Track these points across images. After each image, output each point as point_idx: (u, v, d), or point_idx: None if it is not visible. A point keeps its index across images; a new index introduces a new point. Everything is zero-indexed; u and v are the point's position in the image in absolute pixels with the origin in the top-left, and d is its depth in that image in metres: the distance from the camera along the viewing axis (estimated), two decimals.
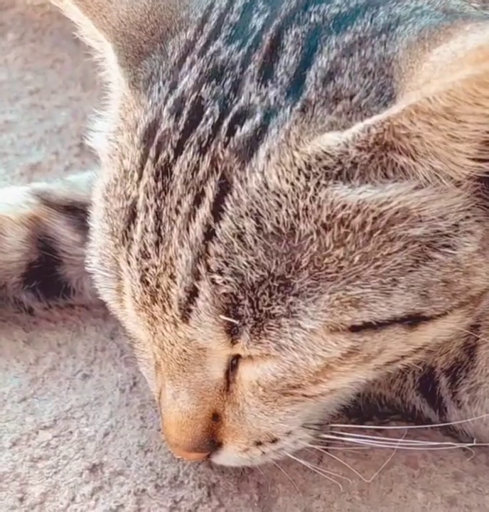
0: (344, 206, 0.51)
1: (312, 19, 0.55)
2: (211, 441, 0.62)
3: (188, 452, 0.63)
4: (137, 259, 0.56)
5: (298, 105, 0.52)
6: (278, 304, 0.53)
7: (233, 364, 0.59)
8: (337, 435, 0.67)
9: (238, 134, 0.53)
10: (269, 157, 0.52)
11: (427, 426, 0.71)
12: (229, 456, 0.63)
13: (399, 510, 0.70)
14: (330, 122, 0.52)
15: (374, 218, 0.52)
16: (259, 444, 0.62)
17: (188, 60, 0.57)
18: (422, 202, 0.52)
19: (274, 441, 0.63)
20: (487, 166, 0.51)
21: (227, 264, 0.52)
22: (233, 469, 0.70)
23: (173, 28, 0.60)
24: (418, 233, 0.53)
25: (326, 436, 0.67)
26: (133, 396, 0.77)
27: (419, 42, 0.51)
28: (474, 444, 0.68)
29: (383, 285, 0.53)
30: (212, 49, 0.56)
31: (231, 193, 0.52)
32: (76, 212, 0.81)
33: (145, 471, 0.71)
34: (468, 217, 0.54)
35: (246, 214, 0.52)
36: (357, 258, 0.52)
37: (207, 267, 0.53)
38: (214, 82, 0.55)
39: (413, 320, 0.56)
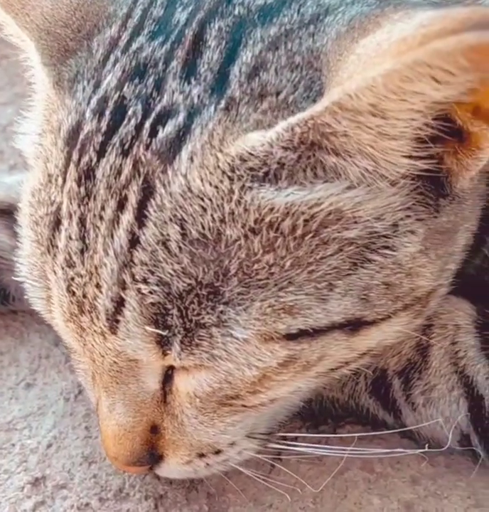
0: (272, 209, 0.48)
1: (236, 11, 0.52)
2: (151, 454, 0.59)
3: (128, 466, 0.60)
4: (62, 268, 0.54)
5: (222, 103, 0.49)
6: (208, 313, 0.50)
7: (168, 375, 0.56)
8: (288, 444, 0.65)
9: (160, 135, 0.50)
10: (192, 159, 0.49)
11: (383, 432, 0.69)
12: (172, 468, 0.61)
13: None
14: (255, 121, 0.49)
15: (305, 221, 0.49)
16: (201, 455, 0.60)
17: (112, 57, 0.54)
18: (356, 202, 0.49)
19: (218, 452, 0.60)
20: (422, 163, 0.49)
21: (152, 272, 0.50)
22: (181, 480, 0.68)
23: (100, 24, 0.58)
24: (354, 235, 0.50)
25: (274, 445, 0.64)
26: (77, 405, 0.74)
27: (348, 32, 0.48)
28: (427, 449, 0.66)
29: (318, 290, 0.51)
30: (134, 46, 0.54)
31: (154, 198, 0.50)
32: (13, 215, 0.78)
33: (89, 483, 0.68)
34: (408, 217, 0.52)
35: (170, 219, 0.49)
36: (288, 263, 0.49)
37: (133, 276, 0.50)
38: (137, 80, 0.52)
39: (354, 325, 0.53)
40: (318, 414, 0.72)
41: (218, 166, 0.49)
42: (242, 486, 0.68)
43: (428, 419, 0.66)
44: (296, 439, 0.68)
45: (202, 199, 0.49)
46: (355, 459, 0.68)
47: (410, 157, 0.48)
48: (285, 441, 0.65)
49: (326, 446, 0.66)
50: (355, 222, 0.50)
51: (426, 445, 0.65)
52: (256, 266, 0.49)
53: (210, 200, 0.49)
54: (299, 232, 0.49)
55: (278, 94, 0.49)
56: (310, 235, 0.49)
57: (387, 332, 0.56)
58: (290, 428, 0.70)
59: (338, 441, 0.69)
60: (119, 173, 0.51)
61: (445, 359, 0.66)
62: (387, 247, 0.51)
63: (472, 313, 0.67)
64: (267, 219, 0.49)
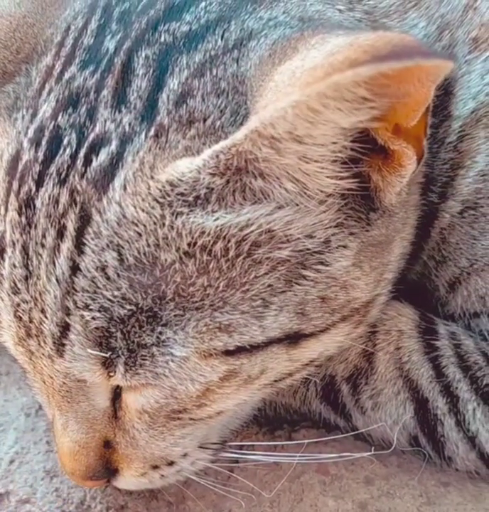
0: (203, 233, 0.50)
1: (162, 39, 0.53)
2: (107, 468, 0.61)
3: (85, 480, 0.62)
4: (8, 295, 0.55)
5: (152, 131, 0.51)
6: (148, 335, 0.52)
7: (117, 392, 0.58)
8: (243, 453, 0.66)
9: (94, 163, 0.51)
10: (125, 187, 0.50)
11: (336, 436, 0.71)
12: (128, 480, 0.62)
13: None
14: (184, 147, 0.50)
15: (237, 242, 0.50)
16: (155, 467, 0.62)
17: (47, 86, 0.55)
18: (285, 221, 0.51)
19: (171, 463, 0.62)
20: (345, 183, 0.50)
21: (93, 299, 0.51)
22: (141, 490, 0.69)
23: (39, 48, 0.58)
24: (286, 254, 0.51)
25: (229, 455, 0.66)
26: (38, 420, 0.75)
27: (270, 57, 0.49)
28: (373, 452, 0.67)
29: (253, 308, 0.52)
30: (67, 75, 0.55)
31: (91, 226, 0.51)
32: None
33: (51, 497, 0.70)
34: (340, 232, 0.53)
35: (108, 246, 0.50)
36: (222, 284, 0.51)
37: (75, 303, 0.52)
38: (70, 109, 0.53)
39: (292, 338, 0.55)
40: (273, 419, 0.74)
41: (150, 193, 0.50)
42: (200, 494, 0.70)
43: (377, 422, 0.68)
44: (252, 446, 0.70)
45: (137, 225, 0.50)
46: (310, 462, 0.70)
47: (334, 177, 0.50)
48: (240, 451, 0.67)
49: (282, 452, 0.68)
50: (287, 241, 0.51)
51: (373, 448, 0.67)
52: (191, 288, 0.50)
53: (144, 226, 0.50)
54: (231, 253, 0.50)
55: (205, 120, 0.50)
56: (242, 257, 0.50)
57: (327, 343, 0.57)
58: (246, 434, 0.72)
59: (294, 446, 0.70)
60: (57, 202, 0.52)
61: (390, 364, 0.68)
62: (320, 263, 0.53)
63: (414, 319, 0.69)
64: (199, 242, 0.50)
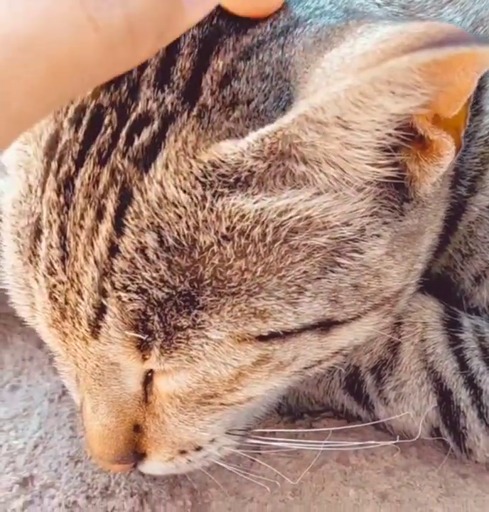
0: (242, 216, 0.50)
1: (214, 21, 0.53)
2: (134, 452, 0.61)
3: (112, 464, 0.62)
4: (44, 276, 0.55)
5: (195, 111, 0.51)
6: (184, 318, 0.52)
7: (149, 376, 0.58)
8: (267, 439, 0.67)
9: (136, 142, 0.51)
10: (167, 166, 0.50)
11: (357, 425, 0.71)
12: (155, 465, 0.63)
13: (331, 508, 0.70)
14: (228, 129, 0.50)
15: (275, 228, 0.51)
16: (183, 452, 0.62)
17: None
18: (324, 208, 0.51)
19: (198, 449, 0.62)
20: (385, 170, 0.51)
21: (131, 280, 0.51)
22: (165, 476, 0.70)
23: None
24: (323, 241, 0.52)
25: (253, 441, 0.67)
26: (62, 405, 0.76)
27: (315, 45, 0.50)
28: (398, 440, 0.68)
29: (288, 294, 0.52)
30: None
31: (132, 206, 0.51)
32: None
33: (75, 482, 0.70)
34: (374, 221, 0.54)
35: (148, 227, 0.50)
36: (259, 269, 0.51)
37: (113, 284, 0.52)
38: (112, 88, 0.53)
39: (324, 326, 0.55)
40: (294, 409, 0.74)
41: (191, 172, 0.50)
42: (223, 481, 0.71)
43: (399, 413, 0.69)
44: (274, 434, 0.71)
45: (177, 206, 0.50)
46: (331, 452, 0.71)
47: (374, 165, 0.50)
48: (263, 437, 0.67)
49: (303, 440, 0.69)
50: (324, 228, 0.52)
51: (398, 437, 0.68)
52: (228, 272, 0.51)
53: (184, 207, 0.50)
54: (269, 239, 0.51)
55: (249, 102, 0.50)
56: (280, 242, 0.51)
57: (357, 331, 0.58)
58: (268, 423, 0.73)
59: (315, 435, 0.71)
60: (97, 182, 0.52)
61: (414, 356, 0.68)
62: (354, 251, 0.53)
63: (439, 311, 0.70)
64: (238, 226, 0.50)
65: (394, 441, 0.68)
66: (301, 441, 0.68)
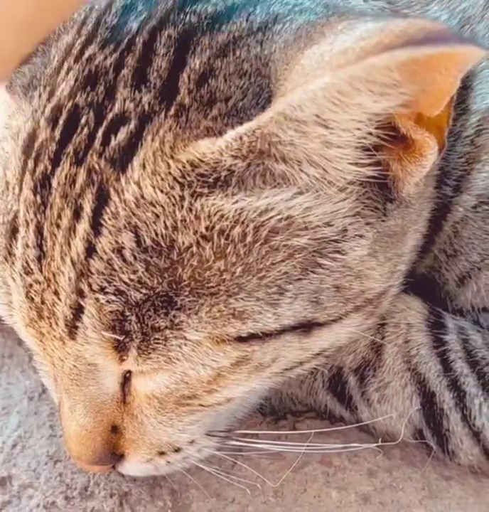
0: (222, 216, 0.49)
1: (187, 19, 0.53)
2: (113, 454, 0.60)
3: (91, 465, 0.61)
4: (21, 275, 0.54)
5: (172, 110, 0.50)
6: (162, 319, 0.51)
7: (126, 377, 0.57)
8: (248, 441, 0.66)
9: (113, 143, 0.51)
10: (144, 166, 0.50)
11: (341, 427, 0.71)
12: (133, 466, 0.62)
13: (313, 510, 0.69)
14: (206, 127, 0.49)
15: (255, 228, 0.50)
16: (162, 453, 0.61)
17: (66, 65, 0.55)
18: (305, 208, 0.50)
19: (177, 450, 0.62)
20: (367, 170, 0.50)
21: (109, 282, 0.51)
22: (145, 477, 0.69)
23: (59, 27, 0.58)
24: (304, 241, 0.51)
25: (234, 443, 0.66)
26: (41, 404, 0.75)
27: (295, 41, 0.49)
28: (380, 443, 0.68)
29: (268, 295, 0.52)
30: (87, 53, 0.54)
31: (108, 206, 0.50)
32: None
33: (54, 482, 0.69)
34: (357, 221, 0.53)
35: (125, 227, 0.50)
36: (239, 270, 0.50)
37: (90, 286, 0.51)
38: (89, 88, 0.53)
39: (305, 327, 0.55)
40: (277, 409, 0.74)
41: (169, 173, 0.49)
42: (204, 482, 0.70)
43: (382, 414, 0.68)
44: (256, 435, 0.70)
45: (155, 206, 0.49)
46: (314, 453, 0.70)
47: (356, 164, 0.49)
48: (245, 439, 0.66)
49: (286, 442, 0.68)
50: (305, 229, 0.51)
51: (380, 439, 0.67)
52: (207, 273, 0.50)
53: (162, 207, 0.49)
54: (249, 239, 0.50)
55: (227, 100, 0.50)
56: (260, 242, 0.50)
57: (339, 333, 0.57)
58: (250, 424, 0.72)
59: (298, 436, 0.71)
60: (74, 182, 0.51)
61: (398, 357, 0.68)
62: (336, 252, 0.53)
63: (423, 312, 0.69)
64: (218, 226, 0.49)
65: (376, 444, 0.67)
66: (283, 444, 0.67)
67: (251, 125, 0.47)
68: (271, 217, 0.50)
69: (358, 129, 0.47)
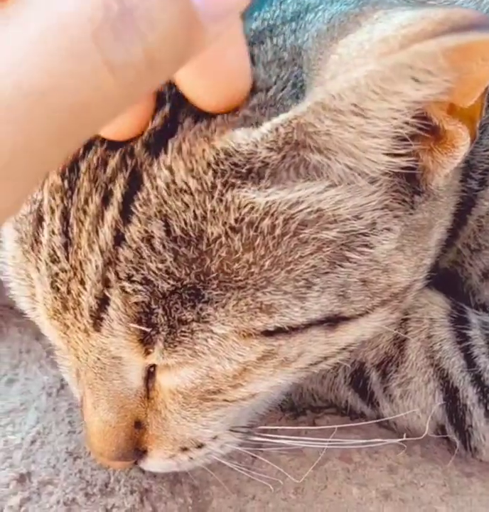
0: (252, 208, 0.49)
1: None
2: (135, 449, 0.60)
3: (113, 461, 0.61)
4: (46, 264, 0.53)
5: None
6: (189, 311, 0.51)
7: (151, 372, 0.57)
8: (269, 437, 0.66)
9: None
10: (178, 150, 0.48)
11: (361, 423, 0.70)
12: (156, 462, 0.62)
13: (334, 506, 0.69)
14: (244, 116, 0.48)
15: (285, 221, 0.49)
16: (185, 449, 0.61)
17: None
18: (336, 201, 0.50)
19: (200, 446, 0.61)
20: (401, 160, 0.49)
21: (137, 270, 0.50)
22: (166, 473, 0.69)
23: None
24: (333, 234, 0.51)
25: (255, 438, 0.65)
26: (60, 400, 0.74)
27: (329, 31, 0.48)
28: (405, 438, 0.67)
29: (296, 289, 0.51)
30: None
31: (141, 192, 0.49)
32: None
33: (74, 479, 0.69)
34: (385, 214, 0.52)
35: (155, 215, 0.49)
36: (267, 263, 0.50)
37: (117, 274, 0.50)
38: None
39: (332, 321, 0.54)
40: (297, 405, 0.73)
41: (203, 157, 0.48)
42: (225, 478, 0.69)
43: (405, 410, 0.68)
44: (276, 431, 0.69)
45: (186, 193, 0.48)
46: (334, 449, 0.70)
47: (390, 155, 0.49)
48: (265, 434, 0.66)
49: (306, 437, 0.68)
50: (335, 221, 0.50)
51: (405, 435, 0.67)
52: (236, 265, 0.50)
53: (192, 195, 0.48)
54: (278, 231, 0.49)
55: (267, 90, 0.49)
56: (289, 235, 0.49)
57: (365, 327, 0.57)
58: (270, 419, 0.72)
59: (318, 432, 0.70)
60: (106, 165, 0.50)
61: (421, 352, 0.67)
62: (364, 245, 0.52)
63: (446, 307, 0.69)
64: (247, 218, 0.49)
65: (399, 440, 0.67)
66: (303, 439, 0.66)
67: (288, 116, 0.46)
68: (302, 210, 0.49)
69: (395, 118, 0.46)
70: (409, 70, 0.42)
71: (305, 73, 0.48)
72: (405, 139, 0.48)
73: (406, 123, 0.47)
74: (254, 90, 0.49)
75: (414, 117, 0.47)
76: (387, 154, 0.49)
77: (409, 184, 0.53)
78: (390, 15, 0.44)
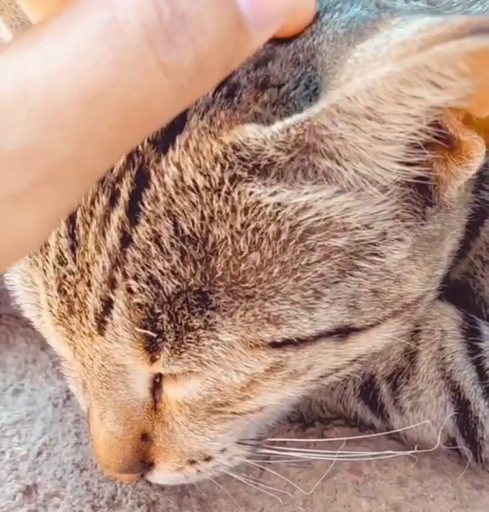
0: (259, 211, 0.48)
1: None
2: (142, 462, 0.59)
3: (120, 473, 0.60)
4: (54, 266, 0.52)
5: (224, 90, 0.48)
6: (196, 318, 0.50)
7: (157, 383, 0.56)
8: (277, 449, 0.65)
9: None
10: (186, 146, 0.47)
11: (370, 435, 0.70)
12: (163, 475, 0.61)
13: None
14: (254, 112, 0.47)
15: (291, 227, 0.48)
16: (192, 462, 0.60)
17: None
18: (345, 208, 0.49)
19: (208, 459, 0.60)
20: (414, 170, 0.48)
21: (143, 268, 0.49)
22: (173, 485, 0.68)
23: None
24: (342, 242, 0.50)
25: (264, 450, 0.65)
26: (66, 410, 0.73)
27: (346, 36, 0.47)
28: (416, 450, 0.66)
29: (304, 299, 0.50)
30: None
31: (149, 189, 0.48)
32: None
33: (81, 491, 0.68)
34: (396, 225, 0.51)
35: (164, 214, 0.48)
36: (275, 270, 0.49)
37: (124, 274, 0.49)
38: None
39: (342, 333, 0.53)
40: (306, 416, 0.73)
41: (211, 152, 0.47)
42: (233, 491, 0.69)
43: (415, 422, 0.67)
44: (284, 443, 0.69)
45: (193, 191, 0.47)
46: (343, 461, 0.69)
47: (403, 163, 0.48)
48: (273, 446, 0.65)
49: (315, 450, 0.67)
50: (344, 230, 0.49)
51: (416, 447, 0.66)
52: (242, 267, 0.49)
53: (200, 193, 0.47)
54: (284, 237, 0.48)
55: (280, 87, 0.48)
56: (295, 241, 0.49)
57: (376, 339, 0.56)
58: (278, 431, 0.71)
59: (326, 444, 0.70)
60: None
61: (432, 364, 0.67)
62: (375, 255, 0.51)
63: (458, 319, 0.68)
64: (253, 223, 0.48)
65: (410, 452, 0.66)
66: (312, 451, 0.66)
67: (301, 117, 0.45)
68: (309, 216, 0.48)
69: (411, 124, 0.45)
70: (427, 73, 0.41)
71: (320, 76, 0.47)
72: (419, 147, 0.47)
73: (421, 130, 0.46)
74: (266, 86, 0.48)
75: (429, 125, 0.46)
76: (400, 162, 0.48)
77: (421, 195, 0.52)
78: (409, 21, 0.43)
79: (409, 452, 0.67)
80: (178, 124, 0.48)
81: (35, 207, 0.34)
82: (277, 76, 0.48)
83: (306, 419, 0.73)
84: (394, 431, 0.68)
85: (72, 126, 0.33)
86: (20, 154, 0.33)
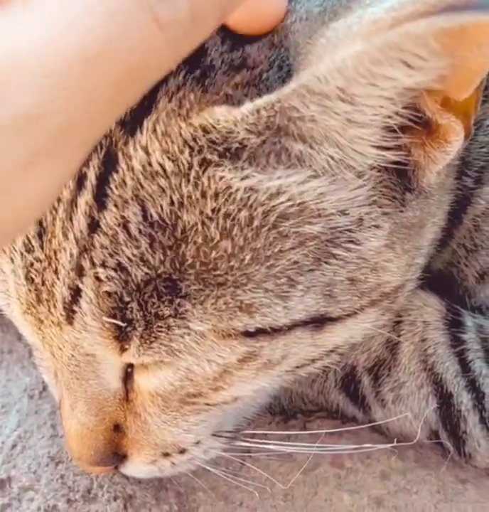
0: (229, 195, 0.46)
1: None
2: (115, 454, 0.58)
3: (92, 465, 0.59)
4: (21, 254, 0.50)
5: (198, 72, 0.46)
6: (166, 306, 0.48)
7: (128, 372, 0.55)
8: (257, 442, 0.64)
9: None
10: (154, 129, 0.46)
11: (353, 427, 0.68)
12: (137, 468, 0.60)
13: None
14: (226, 94, 0.46)
15: (264, 212, 0.46)
16: (166, 455, 0.59)
17: None
18: (319, 193, 0.47)
19: (183, 451, 0.59)
20: (390, 154, 0.47)
21: (111, 255, 0.47)
22: (150, 479, 0.67)
23: None
24: (317, 229, 0.48)
25: (243, 443, 0.63)
26: (42, 402, 0.72)
27: (320, 14, 0.46)
28: (398, 443, 0.65)
29: (278, 287, 0.48)
30: None
31: (117, 173, 0.46)
32: None
33: (56, 484, 0.67)
34: (373, 211, 0.50)
35: (132, 199, 0.46)
36: (247, 257, 0.47)
37: (92, 261, 0.48)
38: None
39: (317, 322, 0.52)
40: (287, 409, 0.71)
41: (180, 135, 0.45)
42: (211, 485, 0.68)
43: (397, 415, 0.66)
44: (265, 436, 0.67)
45: (161, 176, 0.46)
46: (325, 454, 0.68)
47: (378, 147, 0.46)
48: (254, 439, 0.64)
49: (296, 443, 0.66)
50: (318, 216, 0.48)
51: (395, 439, 0.65)
52: (213, 254, 0.47)
53: (169, 178, 0.46)
54: (256, 223, 0.47)
55: (253, 69, 0.46)
56: (267, 227, 0.47)
57: (353, 329, 0.55)
58: (259, 423, 0.70)
59: (308, 436, 0.68)
60: None
61: (414, 356, 0.65)
62: (351, 242, 0.50)
63: (441, 309, 0.66)
64: (224, 208, 0.46)
65: (391, 445, 0.65)
66: (293, 444, 0.64)
67: (271, 98, 0.43)
68: (282, 202, 0.47)
69: (385, 107, 0.43)
70: (398, 52, 0.39)
71: (292, 57, 0.46)
72: (395, 131, 0.45)
73: (397, 113, 0.44)
74: (240, 67, 0.46)
75: (405, 108, 0.44)
76: (375, 146, 0.46)
77: (400, 181, 0.50)
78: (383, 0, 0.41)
79: (389, 445, 0.66)
80: (147, 106, 0.46)
81: (35, 176, 0.33)
82: (253, 58, 0.47)
83: (288, 411, 0.72)
84: (376, 423, 0.67)
85: (69, 89, 0.33)
86: (18, 123, 0.32)
